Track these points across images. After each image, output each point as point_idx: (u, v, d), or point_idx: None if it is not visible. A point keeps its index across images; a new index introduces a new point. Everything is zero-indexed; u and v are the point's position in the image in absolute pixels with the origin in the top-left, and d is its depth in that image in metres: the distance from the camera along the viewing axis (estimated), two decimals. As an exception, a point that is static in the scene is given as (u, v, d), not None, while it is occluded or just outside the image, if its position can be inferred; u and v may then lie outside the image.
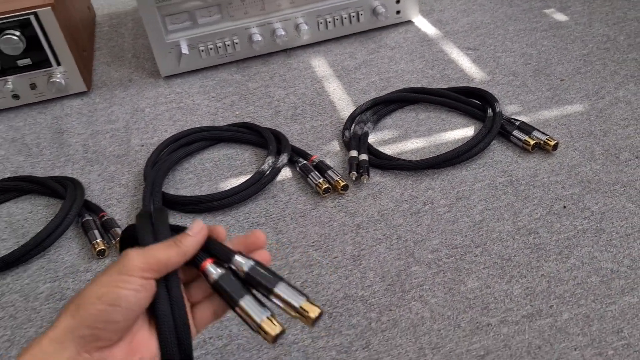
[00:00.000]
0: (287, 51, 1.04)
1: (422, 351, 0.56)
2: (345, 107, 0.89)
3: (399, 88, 0.91)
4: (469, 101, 0.85)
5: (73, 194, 0.73)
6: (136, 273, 0.37)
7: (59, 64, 0.93)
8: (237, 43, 0.99)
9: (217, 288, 0.41)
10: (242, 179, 0.78)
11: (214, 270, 0.41)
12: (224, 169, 0.80)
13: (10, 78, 0.92)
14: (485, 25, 1.05)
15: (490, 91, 0.85)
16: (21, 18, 0.87)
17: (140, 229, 0.42)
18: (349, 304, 0.61)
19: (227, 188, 0.76)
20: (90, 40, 1.12)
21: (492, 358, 0.54)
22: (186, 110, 0.93)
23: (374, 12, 1.03)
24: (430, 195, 0.72)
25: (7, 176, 0.82)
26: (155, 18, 0.93)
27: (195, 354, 0.58)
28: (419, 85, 0.92)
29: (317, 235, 0.69)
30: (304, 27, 1.00)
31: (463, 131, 0.82)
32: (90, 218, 0.72)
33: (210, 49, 0.98)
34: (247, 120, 0.89)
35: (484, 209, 0.69)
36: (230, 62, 1.02)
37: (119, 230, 0.70)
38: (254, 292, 0.42)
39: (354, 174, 0.74)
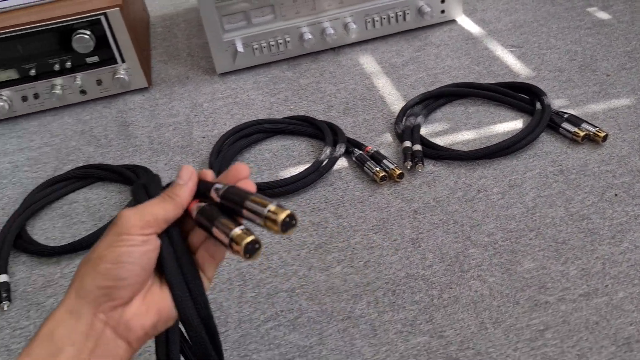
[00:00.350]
0: (336, 49, 1.08)
1: (483, 325, 0.59)
2: (395, 101, 0.93)
3: (446, 83, 0.94)
4: (516, 95, 0.88)
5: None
6: (134, 231, 0.37)
7: (123, 61, 0.99)
8: (288, 41, 1.04)
9: (199, 222, 0.40)
10: (301, 168, 0.82)
11: (195, 208, 0.40)
12: (283, 159, 0.85)
13: (79, 75, 0.98)
14: (528, 23, 1.08)
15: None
16: (92, 18, 0.93)
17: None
18: (411, 282, 0.64)
19: (287, 176, 0.80)
20: (147, 40, 1.18)
21: (551, 333, 0.58)
22: (242, 105, 0.98)
23: (419, 11, 1.07)
24: (483, 184, 0.76)
25: (80, 164, 0.87)
26: (214, 17, 0.98)
27: (268, 325, 0.62)
28: (466, 80, 0.95)
29: (376, 219, 0.73)
30: (352, 26, 1.04)
31: (512, 124, 0.85)
32: (162, 203, 0.77)
33: (264, 47, 1.03)
34: (302, 114, 0.93)
35: (536, 196, 0.73)
36: (282, 60, 1.07)
37: (190, 214, 0.75)
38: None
39: (409, 163, 0.78)
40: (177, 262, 0.39)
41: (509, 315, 0.60)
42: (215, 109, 0.97)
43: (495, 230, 0.69)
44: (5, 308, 0.66)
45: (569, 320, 0.58)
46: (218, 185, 0.40)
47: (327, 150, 0.82)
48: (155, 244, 0.38)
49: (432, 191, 0.76)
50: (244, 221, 0.40)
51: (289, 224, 0.37)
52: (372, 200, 0.76)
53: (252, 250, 0.38)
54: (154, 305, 0.38)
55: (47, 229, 0.77)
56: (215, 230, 0.39)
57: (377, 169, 0.78)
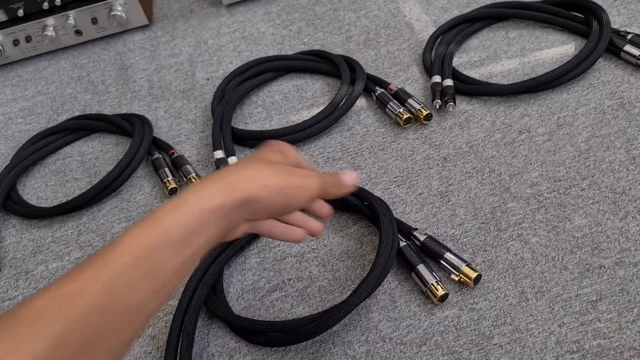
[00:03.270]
0: (356, -30, 0.95)
1: (523, 295, 0.50)
2: (424, 28, 0.81)
3: (484, 4, 0.81)
4: (568, 14, 0.74)
5: (141, 132, 0.71)
6: (308, 198, 0.42)
7: (118, -5, 0.88)
8: (301, -37, 0.91)
9: (401, 254, 0.52)
10: (315, 111, 0.72)
11: (400, 242, 0.54)
12: (294, 101, 0.75)
13: (72, 13, 0.89)
14: None
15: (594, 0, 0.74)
16: (77, -53, 0.82)
17: None
18: (438, 243, 0.55)
19: (299, 121, 0.71)
20: (148, -30, 1.07)
21: (606, 304, 0.48)
22: (251, 39, 0.87)
23: None
24: (526, 123, 0.64)
25: (76, 114, 0.80)
26: (214, -61, 0.86)
27: (274, 295, 0.55)
28: (507, -1, 0.81)
29: (398, 170, 0.63)
30: (375, -60, 0.90)
31: (562, 49, 0.71)
32: (160, 156, 0.70)
33: (273, -29, 0.91)
34: (317, 47, 0.82)
35: (590, 137, 0.61)
36: (295, -14, 0.94)
37: (189, 168, 0.67)
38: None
39: (438, 102, 0.67)
40: None
41: (555, 283, 0.50)
42: (220, 46, 0.87)
43: (540, 179, 0.58)
44: (-6, 277, 0.61)
45: (628, 289, 0.49)
46: (416, 233, 0.55)
47: (344, 90, 0.71)
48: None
49: (465, 134, 0.65)
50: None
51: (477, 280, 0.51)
52: (395, 146, 0.66)
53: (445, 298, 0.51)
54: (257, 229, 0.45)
55: (38, 188, 0.71)
56: (414, 274, 0.53)
57: (401, 110, 0.67)
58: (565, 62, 0.68)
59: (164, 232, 0.35)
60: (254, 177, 0.39)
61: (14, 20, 0.88)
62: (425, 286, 0.50)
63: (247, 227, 0.43)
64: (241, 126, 0.73)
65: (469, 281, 0.50)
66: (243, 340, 0.52)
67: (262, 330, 0.50)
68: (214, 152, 0.67)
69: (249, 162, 0.41)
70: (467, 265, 0.51)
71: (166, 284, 0.35)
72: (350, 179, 0.45)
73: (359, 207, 0.57)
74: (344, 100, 0.70)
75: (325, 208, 0.48)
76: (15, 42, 0.90)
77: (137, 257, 0.34)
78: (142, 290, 0.34)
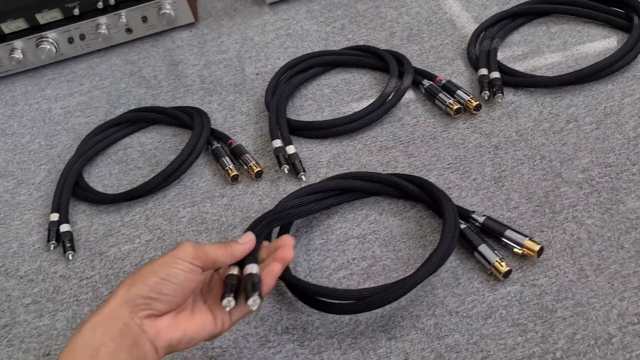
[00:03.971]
0: (395, -31, 0.98)
1: (582, 272, 0.53)
2: (466, 24, 0.84)
3: (524, 1, 0.84)
4: (608, 9, 0.77)
5: (200, 123, 0.74)
6: (186, 258, 0.44)
7: (168, -5, 0.92)
8: (343, -37, 0.94)
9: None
10: (364, 104, 0.75)
11: (477, 218, 0.57)
12: (344, 94, 0.78)
13: (124, 12, 0.92)
14: None
15: (634, -3, 0.76)
16: (132, -52, 0.86)
17: None
18: (495, 225, 0.58)
19: (350, 113, 0.74)
20: (190, -29, 1.10)
21: (662, 280, 0.51)
22: (295, 36, 0.90)
23: None
24: (573, 113, 0.67)
25: (132, 108, 0.84)
26: (262, -60, 0.89)
27: (341, 274, 0.58)
28: (546, -4, 0.84)
29: (451, 157, 0.66)
30: (414, -60, 0.93)
31: (604, 43, 0.74)
32: (219, 145, 0.73)
33: (316, -30, 0.94)
34: (361, 43, 0.85)
35: (638, 125, 0.64)
36: (336, -15, 0.98)
37: (249, 157, 0.70)
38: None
39: (487, 93, 0.70)
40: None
41: (613, 261, 0.53)
42: (266, 43, 0.90)
43: (591, 165, 0.61)
44: (70, 257, 0.65)
45: (683, 266, 0.51)
46: (474, 215, 0.58)
47: (393, 82, 0.74)
48: (199, 276, 0.45)
49: (514, 123, 0.68)
50: None
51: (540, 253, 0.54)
52: (446, 135, 0.69)
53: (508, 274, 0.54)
54: (182, 325, 0.44)
55: (103, 176, 0.75)
56: (477, 254, 0.55)
57: (451, 100, 0.70)
58: (608, 55, 0.70)
59: None
60: (118, 286, 0.43)
61: (69, 19, 0.92)
62: (490, 264, 0.53)
63: (167, 322, 0.43)
64: (294, 118, 0.76)
65: (533, 254, 0.53)
66: (315, 314, 0.55)
67: (334, 295, 0.52)
68: (272, 142, 0.70)
69: None
70: (529, 239, 0.53)
71: None
72: (243, 238, 0.48)
73: (418, 195, 0.60)
74: (393, 92, 0.73)
75: (285, 253, 0.49)
76: (70, 40, 0.93)
77: None
78: None
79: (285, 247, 0.50)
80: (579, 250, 0.54)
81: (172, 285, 0.43)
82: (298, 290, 0.55)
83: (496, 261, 0.53)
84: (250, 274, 0.47)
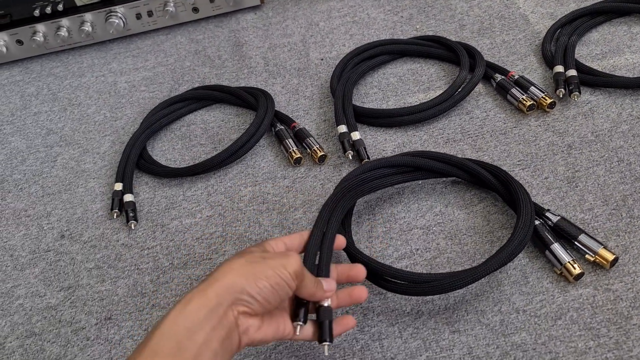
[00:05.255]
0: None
1: (661, 281, 0.50)
2: (540, 20, 0.81)
3: (603, -1, 0.81)
4: (696, 12, 0.73)
5: (265, 104, 0.74)
6: (292, 274, 0.43)
7: (236, -24, 0.92)
8: (413, -48, 0.92)
9: (535, 231, 0.52)
10: (431, 95, 0.74)
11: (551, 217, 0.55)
12: (410, 84, 0.77)
13: (193, -9, 0.93)
14: None
15: None
16: None
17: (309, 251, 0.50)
18: (567, 226, 0.56)
19: (416, 103, 0.73)
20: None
21: None
22: (362, 24, 0.89)
23: None
24: (654, 116, 0.64)
25: (195, 85, 0.84)
26: None
27: (403, 263, 0.57)
28: (628, -5, 0.81)
29: (522, 154, 0.64)
30: None
31: (690, 46, 0.71)
32: (283, 127, 0.73)
33: (386, -41, 0.93)
34: (429, 34, 0.84)
35: None
36: (405, -26, 0.96)
37: (312, 140, 0.70)
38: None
39: (562, 91, 0.68)
40: None
41: (695, 271, 0.50)
42: (332, 29, 0.90)
43: (673, 171, 0.58)
44: (133, 227, 0.66)
45: None
46: (549, 215, 0.56)
47: (464, 74, 0.72)
48: (291, 291, 0.44)
49: (590, 123, 0.65)
50: None
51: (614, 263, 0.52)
52: (517, 132, 0.67)
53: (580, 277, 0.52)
54: (264, 328, 0.44)
55: (166, 150, 0.75)
56: (548, 253, 0.54)
57: (524, 96, 0.68)
58: (695, 58, 0.67)
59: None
60: (228, 269, 0.42)
61: (139, -5, 0.93)
62: (561, 264, 0.51)
63: (256, 323, 0.43)
64: (359, 105, 0.75)
65: (606, 263, 0.51)
66: (376, 300, 0.54)
67: (396, 275, 0.51)
68: (337, 127, 0.70)
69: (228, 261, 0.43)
70: (604, 247, 0.51)
71: None
72: (328, 287, 0.47)
73: (493, 183, 0.58)
74: (463, 85, 0.72)
75: (361, 291, 0.49)
76: (138, 16, 0.95)
77: None
78: None
79: (359, 290, 0.49)
80: (658, 257, 0.52)
81: (277, 296, 0.43)
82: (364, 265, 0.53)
83: (569, 262, 0.51)
84: (324, 310, 0.47)
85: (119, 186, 0.69)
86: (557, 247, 0.52)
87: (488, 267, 0.49)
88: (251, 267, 0.42)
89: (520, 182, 0.61)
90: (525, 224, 0.51)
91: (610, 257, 0.51)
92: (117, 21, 0.93)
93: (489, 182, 0.58)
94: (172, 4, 0.94)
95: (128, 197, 0.68)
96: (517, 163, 0.63)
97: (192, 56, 0.91)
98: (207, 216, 0.66)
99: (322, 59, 0.85)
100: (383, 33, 0.86)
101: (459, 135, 0.68)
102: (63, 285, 0.62)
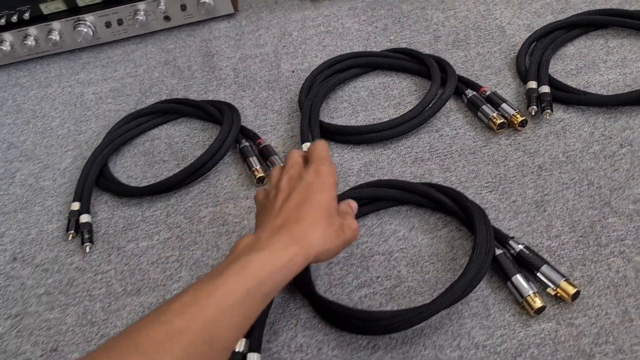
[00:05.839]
0: (445, -31, 0.93)
1: (627, 315, 0.48)
2: (516, 32, 0.79)
3: (581, 11, 0.78)
4: (675, 26, 0.71)
5: (230, 119, 0.72)
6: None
7: (208, -16, 0.90)
8: (390, -40, 0.90)
9: (496, 261, 0.52)
10: (401, 110, 0.72)
11: (496, 250, 0.52)
12: (381, 98, 0.75)
13: (163, -1, 0.91)
14: None
15: None
16: None
17: None
18: (533, 254, 0.54)
19: (386, 118, 0.70)
20: (233, -40, 1.08)
21: None
22: (335, 34, 0.87)
23: None
24: (627, 136, 0.62)
25: (163, 98, 0.82)
26: None
27: (362, 292, 0.55)
28: (607, 6, 0.78)
29: (490, 175, 0.62)
30: (467, -60, 0.88)
31: (668, 62, 0.69)
32: (248, 144, 0.70)
33: (362, -33, 0.90)
34: (403, 46, 0.81)
35: (700, 156, 0.58)
36: (382, -18, 0.94)
37: (277, 159, 0.68)
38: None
39: (534, 108, 0.65)
40: None
41: (662, 306, 0.48)
42: (305, 39, 0.87)
43: (644, 196, 0.56)
44: (88, 250, 0.63)
45: None
46: (512, 242, 0.53)
47: (434, 90, 0.70)
48: None
49: (562, 143, 0.63)
50: None
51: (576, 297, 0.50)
52: (487, 151, 0.64)
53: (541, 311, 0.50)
54: None
55: (129, 167, 0.73)
56: (509, 284, 0.52)
57: (494, 114, 0.66)
58: (672, 75, 0.65)
59: (259, 282, 0.41)
60: (323, 243, 0.45)
61: (107, 3, 0.90)
62: (522, 297, 0.49)
63: None
64: (327, 120, 0.73)
65: (567, 297, 0.49)
66: (331, 334, 0.52)
67: (348, 314, 0.50)
68: (302, 145, 0.68)
69: (315, 220, 0.45)
70: (565, 280, 0.49)
71: (247, 328, 0.41)
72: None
73: (452, 208, 0.56)
74: (433, 101, 0.69)
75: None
76: (108, 24, 0.92)
77: (237, 301, 0.39)
78: (233, 334, 0.40)
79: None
80: (624, 289, 0.50)
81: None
82: (319, 305, 0.52)
83: (529, 295, 0.49)
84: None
85: (76, 205, 0.67)
86: (518, 279, 0.50)
87: (437, 306, 0.47)
88: (339, 245, 0.47)
89: (487, 205, 0.59)
90: (481, 255, 0.49)
91: (571, 290, 0.49)
92: (85, 30, 0.91)
93: (450, 208, 0.56)
94: (142, 13, 0.91)
95: (84, 218, 0.65)
96: (485, 185, 0.61)
97: (162, 67, 0.89)
98: (165, 238, 0.64)
99: (293, 71, 0.82)
100: (357, 44, 0.84)
101: (427, 154, 0.66)
102: (11, 313, 0.59)
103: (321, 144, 0.52)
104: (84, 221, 0.65)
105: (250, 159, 0.68)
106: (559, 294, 0.49)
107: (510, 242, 0.53)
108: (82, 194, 0.68)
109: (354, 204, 0.54)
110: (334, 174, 0.49)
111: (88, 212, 0.67)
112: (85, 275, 0.61)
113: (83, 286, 0.60)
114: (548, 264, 0.51)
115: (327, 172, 0.48)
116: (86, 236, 0.64)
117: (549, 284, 0.50)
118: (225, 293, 0.39)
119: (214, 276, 0.40)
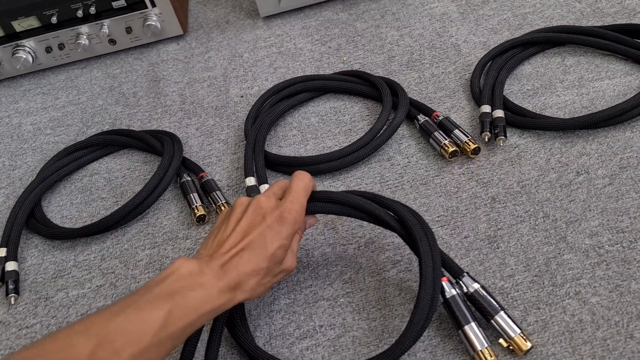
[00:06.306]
0: (401, -16, 0.90)
1: (582, 365, 0.45)
2: (472, 51, 0.76)
3: (538, 27, 0.75)
4: (632, 42, 0.68)
5: (171, 152, 0.68)
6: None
7: (154, 5, 0.86)
8: (343, -24, 0.87)
9: (447, 305, 0.48)
10: (353, 137, 0.68)
11: (447, 289, 0.48)
12: (332, 125, 0.71)
13: (106, 22, 0.86)
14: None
15: (663, 30, 0.68)
16: (114, -45, 0.79)
17: None
18: (485, 296, 0.51)
19: (336, 148, 0.67)
20: (185, -23, 1.04)
21: (678, 382, 0.43)
22: (287, 55, 0.83)
23: None
24: (584, 163, 0.59)
25: (106, 127, 0.78)
26: (255, -50, 0.82)
27: (304, 344, 0.51)
28: (563, 23, 0.76)
29: (442, 208, 0.59)
30: (422, -46, 0.85)
31: (625, 80, 0.66)
32: (190, 179, 0.66)
33: (314, -16, 0.87)
34: (356, 67, 0.78)
35: (658, 183, 0.55)
36: (336, -1, 0.90)
37: (219, 195, 0.63)
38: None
39: (487, 134, 0.62)
40: None
41: (620, 354, 0.45)
42: (256, 61, 0.83)
43: (601, 229, 0.53)
44: (13, 302, 0.59)
45: None
46: (467, 280, 0.50)
47: (385, 116, 0.67)
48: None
49: (517, 172, 0.60)
50: None
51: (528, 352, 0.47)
52: (439, 181, 0.61)
53: None
54: None
55: (64, 206, 0.69)
56: (461, 333, 0.48)
57: (447, 141, 0.62)
58: (629, 95, 0.62)
59: (190, 323, 0.42)
60: (253, 289, 0.45)
61: (47, 27, 0.86)
62: (474, 351, 0.45)
63: None
64: (275, 149, 0.69)
65: (520, 353, 0.45)
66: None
67: None
68: (246, 179, 0.64)
69: (255, 271, 0.45)
70: (520, 334, 0.46)
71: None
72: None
73: (395, 228, 0.50)
74: (384, 128, 0.66)
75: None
76: (48, 49, 0.88)
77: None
78: None
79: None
80: (579, 335, 0.47)
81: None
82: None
83: (481, 351, 0.45)
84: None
85: (2, 252, 0.62)
86: (471, 329, 0.46)
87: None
88: (268, 282, 0.47)
89: (439, 242, 0.55)
90: (425, 306, 0.45)
91: (525, 347, 0.45)
92: (24, 56, 0.86)
93: (390, 227, 0.51)
94: (85, 37, 0.87)
95: (10, 266, 0.61)
96: (437, 219, 0.58)
97: (106, 93, 0.84)
98: (97, 286, 0.59)
99: (242, 96, 0.78)
100: (309, 65, 0.80)
101: (377, 186, 0.62)
102: None
103: (302, 179, 0.50)
104: (9, 269, 0.60)
105: (191, 195, 0.64)
106: (512, 347, 0.46)
107: (464, 279, 0.50)
108: (9, 238, 0.63)
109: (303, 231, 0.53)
110: (299, 219, 0.48)
111: (15, 259, 0.62)
112: (8, 331, 0.57)
113: (6, 343, 0.56)
114: (504, 310, 0.47)
115: (290, 220, 0.47)
116: (11, 287, 0.59)
117: (503, 334, 0.46)
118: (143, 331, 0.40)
119: (142, 306, 0.41)
